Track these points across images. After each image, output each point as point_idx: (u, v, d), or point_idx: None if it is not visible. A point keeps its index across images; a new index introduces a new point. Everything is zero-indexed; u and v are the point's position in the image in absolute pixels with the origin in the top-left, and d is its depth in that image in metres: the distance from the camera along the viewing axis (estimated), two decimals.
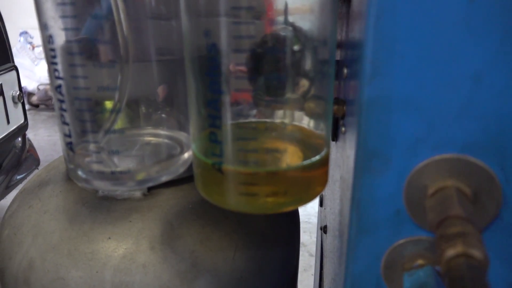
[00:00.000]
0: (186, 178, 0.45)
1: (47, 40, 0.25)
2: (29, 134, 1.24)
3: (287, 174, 0.25)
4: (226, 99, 0.24)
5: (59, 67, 0.26)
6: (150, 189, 0.44)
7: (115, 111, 0.28)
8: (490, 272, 0.24)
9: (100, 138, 0.28)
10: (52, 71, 0.26)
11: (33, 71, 2.84)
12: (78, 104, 0.27)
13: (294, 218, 0.53)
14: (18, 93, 0.88)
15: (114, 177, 0.28)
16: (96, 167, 0.28)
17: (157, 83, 0.33)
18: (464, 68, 0.21)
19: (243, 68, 0.23)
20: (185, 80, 0.26)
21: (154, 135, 0.33)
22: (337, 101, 0.33)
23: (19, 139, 0.98)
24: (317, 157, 0.26)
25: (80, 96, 0.26)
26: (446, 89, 0.22)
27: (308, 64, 0.25)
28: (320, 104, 0.26)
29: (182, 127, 0.34)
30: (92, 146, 0.28)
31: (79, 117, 0.27)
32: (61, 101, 0.27)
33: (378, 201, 0.25)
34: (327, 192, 0.59)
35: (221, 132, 0.24)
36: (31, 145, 1.16)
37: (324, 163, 0.28)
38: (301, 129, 0.27)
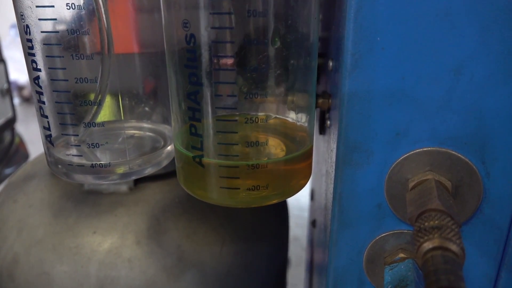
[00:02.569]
0: (173, 172, 0.45)
1: (24, 30, 0.25)
2: (20, 127, 1.23)
3: (269, 167, 0.25)
4: (206, 91, 0.23)
5: (37, 58, 0.25)
6: (136, 183, 0.44)
7: (96, 103, 0.28)
8: (470, 266, 0.24)
9: (81, 131, 0.28)
10: (29, 62, 0.26)
11: (24, 64, 2.81)
12: (56, 96, 0.26)
13: (282, 212, 0.53)
14: (6, 86, 0.87)
15: (95, 170, 0.27)
16: (76, 160, 0.27)
17: (140, 75, 0.32)
18: (445, 60, 0.21)
19: (223, 60, 0.23)
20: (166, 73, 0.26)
21: (137, 128, 0.33)
22: (323, 94, 0.32)
23: (8, 133, 0.97)
24: (300, 151, 0.26)
25: (58, 88, 0.26)
26: (426, 81, 0.22)
27: (290, 56, 0.24)
28: (302, 96, 0.26)
29: (166, 120, 0.34)
30: (72, 139, 0.28)
31: (58, 110, 0.27)
32: (40, 93, 0.26)
33: (359, 195, 0.25)
34: (316, 186, 0.59)
35: (202, 125, 0.24)
36: (21, 139, 1.15)
37: (307, 156, 0.27)
38: (284, 122, 0.27)
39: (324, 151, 0.37)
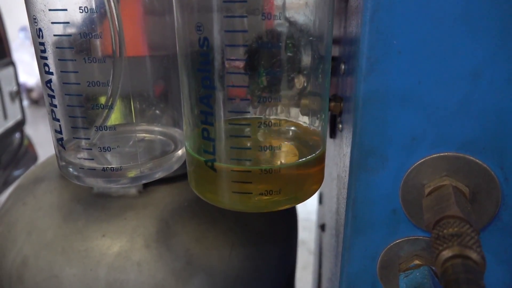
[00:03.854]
0: (182, 176, 0.45)
1: (36, 34, 0.25)
2: (29, 130, 1.24)
3: (281, 172, 0.24)
4: (219, 95, 0.23)
5: (49, 61, 0.25)
6: (145, 186, 0.44)
7: (108, 107, 0.27)
8: (487, 273, 0.23)
9: (92, 134, 0.27)
10: (42, 65, 0.26)
11: (32, 66, 2.84)
12: (68, 99, 0.26)
13: (292, 215, 0.53)
14: (15, 89, 0.87)
15: (106, 174, 0.27)
16: (87, 163, 0.27)
17: (151, 78, 0.32)
18: (463, 64, 0.21)
19: (236, 63, 0.23)
20: (179, 76, 0.25)
21: (148, 131, 0.32)
22: (335, 98, 0.32)
23: (17, 135, 0.98)
24: (313, 155, 0.26)
25: (70, 91, 0.26)
26: (444, 85, 0.21)
27: (303, 60, 0.24)
28: (315, 100, 0.26)
29: (177, 123, 0.34)
30: (83, 143, 0.27)
31: (70, 113, 0.27)
32: (52, 97, 0.26)
33: (374, 200, 0.24)
34: (326, 189, 0.58)
35: (214, 129, 0.24)
36: (30, 142, 1.16)
37: (320, 160, 0.27)
38: (296, 126, 0.26)
39: (335, 154, 0.37)
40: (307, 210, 1.53)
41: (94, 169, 0.27)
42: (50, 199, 0.45)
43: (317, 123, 0.26)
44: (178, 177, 0.45)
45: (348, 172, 0.25)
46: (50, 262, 0.40)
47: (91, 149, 0.27)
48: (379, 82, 0.22)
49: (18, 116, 0.91)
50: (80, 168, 0.28)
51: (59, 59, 0.25)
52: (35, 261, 0.41)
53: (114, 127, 0.27)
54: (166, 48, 0.32)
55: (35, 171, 0.52)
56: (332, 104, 0.31)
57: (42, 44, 0.25)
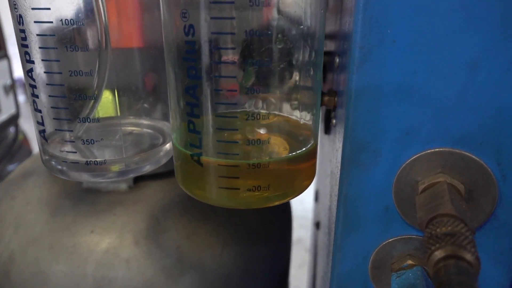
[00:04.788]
0: (173, 171, 0.44)
1: (17, 20, 0.24)
2: (24, 124, 1.22)
3: (270, 167, 0.23)
4: (206, 86, 0.22)
5: (30, 49, 0.24)
6: (136, 181, 0.43)
7: (93, 98, 0.26)
8: (483, 275, 0.23)
9: (76, 127, 0.26)
10: (23, 54, 0.25)
11: None
12: (51, 90, 0.25)
13: (286, 213, 0.52)
14: (9, 82, 0.86)
15: (90, 168, 0.26)
16: (70, 157, 0.26)
17: (140, 71, 0.31)
18: (460, 55, 0.20)
19: (223, 53, 0.22)
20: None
21: (135, 124, 0.32)
22: (329, 92, 0.31)
23: (11, 129, 0.97)
24: (303, 149, 0.25)
25: (52, 81, 0.25)
26: (440, 77, 0.20)
27: (294, 51, 0.23)
28: (307, 94, 0.25)
29: (165, 116, 0.33)
30: (67, 135, 0.26)
31: (52, 104, 0.26)
32: (33, 87, 0.25)
33: (366, 197, 0.23)
34: (321, 187, 0.57)
35: (200, 121, 0.23)
36: (25, 136, 1.15)
37: (311, 155, 0.26)
38: (287, 120, 0.26)
39: (329, 151, 0.36)
40: (304, 208, 1.52)
41: (78, 163, 0.26)
42: (38, 194, 0.44)
43: (308, 117, 0.25)
44: (169, 172, 0.44)
45: (340, 168, 0.24)
46: (37, 258, 0.39)
47: (74, 142, 0.26)
48: (372, 73, 0.21)
49: (12, 110, 0.90)
50: (63, 161, 0.27)
51: (40, 47, 0.24)
52: (22, 256, 0.40)
53: (98, 119, 0.26)
54: (155, 40, 0.31)
55: (25, 165, 0.51)
56: (326, 98, 0.30)
57: (23, 31, 0.24)
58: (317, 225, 0.57)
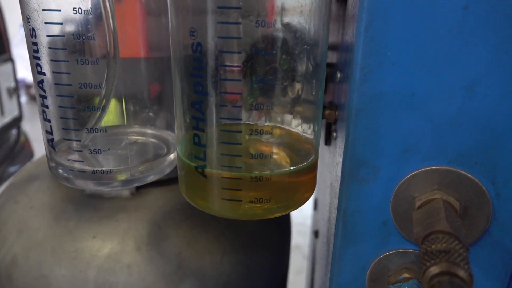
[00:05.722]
0: (175, 179, 0.44)
1: (30, 33, 0.25)
2: (27, 126, 1.23)
3: (272, 180, 0.24)
4: (211, 101, 0.23)
5: (42, 61, 0.25)
6: (138, 188, 0.44)
7: (100, 109, 0.27)
8: None
9: (83, 136, 0.27)
10: (34, 65, 0.26)
11: None
12: (60, 101, 0.26)
13: (285, 220, 0.53)
14: (13, 85, 0.87)
15: (96, 176, 0.27)
16: (77, 165, 0.27)
17: (145, 80, 0.32)
18: (457, 77, 0.21)
19: (229, 70, 0.22)
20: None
21: (141, 134, 0.32)
22: (330, 105, 0.32)
23: (14, 131, 0.97)
24: (304, 163, 0.26)
25: (62, 92, 0.26)
26: (438, 97, 0.21)
27: (298, 68, 0.24)
28: (309, 108, 0.26)
29: (170, 126, 0.33)
30: (74, 144, 0.27)
31: (62, 115, 0.26)
32: (43, 97, 0.26)
33: (365, 211, 0.24)
34: (320, 196, 0.58)
35: (205, 135, 0.24)
36: (27, 138, 1.15)
37: (312, 169, 0.27)
38: (289, 133, 0.26)
39: (329, 162, 0.37)
40: (303, 215, 1.53)
41: (84, 171, 0.27)
42: (42, 198, 0.44)
43: (309, 131, 0.26)
44: (172, 179, 0.45)
45: (339, 182, 0.25)
46: (39, 262, 0.40)
47: (81, 151, 0.27)
48: (372, 92, 0.22)
49: (15, 112, 0.91)
50: (70, 170, 0.27)
51: (51, 60, 0.25)
52: (25, 260, 0.40)
53: (105, 130, 0.27)
54: (161, 50, 0.31)
55: (29, 169, 0.52)
56: (327, 112, 0.31)
57: (35, 44, 0.25)
58: (315, 233, 0.57)
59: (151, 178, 0.30)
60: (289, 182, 0.25)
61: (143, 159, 0.30)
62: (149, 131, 0.32)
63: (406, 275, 0.24)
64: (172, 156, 0.31)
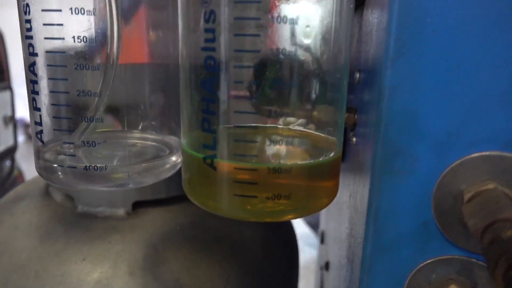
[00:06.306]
0: (175, 198, 0.41)
1: (23, 10, 0.22)
2: (22, 164, 1.20)
3: (293, 172, 0.21)
4: (224, 77, 0.20)
5: (34, 41, 0.23)
6: (135, 207, 0.40)
7: (97, 108, 0.24)
8: None
9: (77, 135, 0.24)
10: (26, 46, 0.23)
11: None
12: (53, 85, 0.23)
13: (292, 246, 0.49)
14: (10, 114, 0.85)
15: (88, 174, 0.24)
16: (68, 161, 0.24)
17: (148, 87, 0.30)
18: (510, 45, 0.18)
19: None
20: (177, 86, 0.23)
21: (141, 138, 0.29)
22: (348, 109, 0.29)
23: (7, 163, 0.94)
24: (327, 157, 0.22)
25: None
26: (487, 69, 0.18)
27: (320, 75, 0.21)
28: (332, 113, 0.23)
29: (173, 132, 0.31)
30: (66, 137, 0.24)
31: (54, 102, 0.23)
32: (34, 82, 0.23)
33: (400, 211, 0.21)
34: (329, 226, 0.54)
35: (216, 118, 0.21)
36: (21, 173, 1.12)
37: (335, 166, 0.24)
38: (308, 134, 0.23)
39: (344, 179, 0.33)
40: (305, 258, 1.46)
41: (75, 167, 0.24)
42: (28, 218, 0.41)
43: (331, 131, 0.23)
44: (171, 199, 0.41)
45: (368, 180, 0.21)
46: (20, 287, 0.35)
47: (73, 143, 0.24)
48: (409, 67, 0.19)
49: (10, 142, 0.88)
50: (59, 166, 0.24)
51: (44, 38, 0.22)
52: (4, 285, 0.36)
53: (105, 133, 0.24)
54: (165, 57, 0.29)
55: (17, 190, 0.48)
56: (346, 115, 0.28)
57: (28, 21, 0.22)
58: (325, 266, 0.53)
59: (148, 181, 0.26)
60: (310, 178, 0.22)
61: (142, 159, 0.26)
62: (150, 136, 0.30)
63: (452, 287, 0.20)
64: (174, 158, 0.28)
